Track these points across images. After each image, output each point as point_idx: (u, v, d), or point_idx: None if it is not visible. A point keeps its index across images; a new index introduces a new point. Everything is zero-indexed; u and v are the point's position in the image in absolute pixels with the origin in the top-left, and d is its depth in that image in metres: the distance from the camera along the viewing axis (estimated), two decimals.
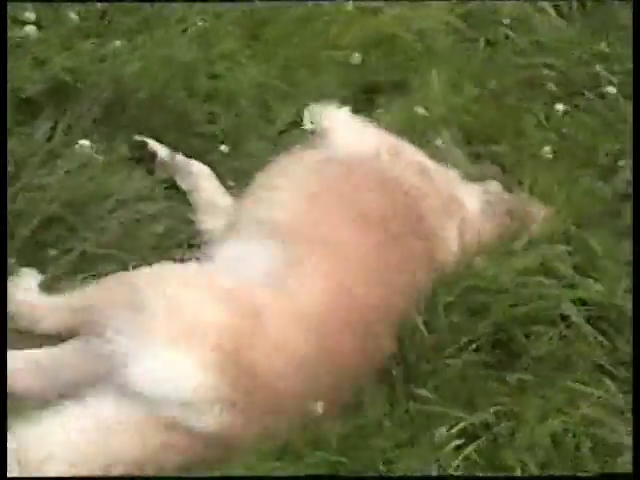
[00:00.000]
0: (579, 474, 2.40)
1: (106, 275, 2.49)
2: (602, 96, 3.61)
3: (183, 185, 2.93)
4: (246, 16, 3.44)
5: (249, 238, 2.54)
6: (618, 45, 3.79)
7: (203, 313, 2.26)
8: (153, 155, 2.96)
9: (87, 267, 2.56)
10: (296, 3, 3.50)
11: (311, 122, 2.93)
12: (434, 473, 2.30)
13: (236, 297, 2.31)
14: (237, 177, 2.92)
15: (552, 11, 3.83)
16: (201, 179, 2.90)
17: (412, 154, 2.90)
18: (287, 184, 2.67)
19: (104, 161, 2.79)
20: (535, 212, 2.96)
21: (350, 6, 3.50)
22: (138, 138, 2.97)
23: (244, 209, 2.70)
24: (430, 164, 2.90)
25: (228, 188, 2.92)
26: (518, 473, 2.36)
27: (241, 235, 2.58)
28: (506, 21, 3.72)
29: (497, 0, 3.76)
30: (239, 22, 3.33)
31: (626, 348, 2.72)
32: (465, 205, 2.85)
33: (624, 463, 2.44)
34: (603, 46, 3.77)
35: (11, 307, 2.42)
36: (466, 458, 2.35)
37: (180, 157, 2.96)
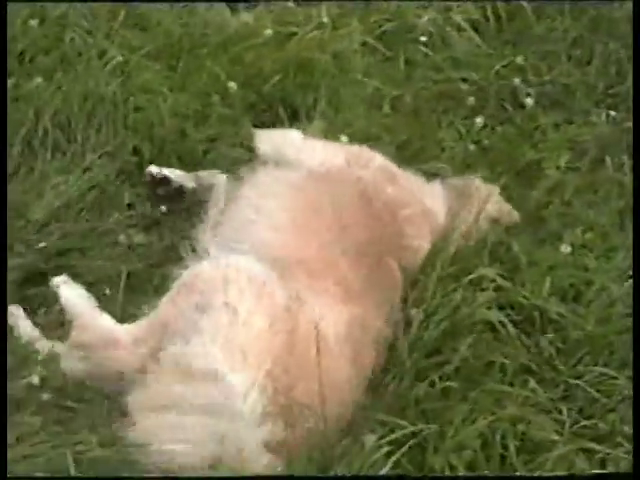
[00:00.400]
0: (507, 473, 2.48)
1: None
2: (521, 107, 3.72)
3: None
4: (166, 48, 3.51)
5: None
6: (533, 58, 3.91)
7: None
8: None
9: None
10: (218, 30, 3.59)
11: (263, 145, 3.00)
12: None
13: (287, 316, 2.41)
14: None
15: (467, 26, 3.94)
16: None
17: (378, 160, 3.00)
18: (274, 205, 2.76)
19: None
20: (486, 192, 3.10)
21: (269, 31, 3.58)
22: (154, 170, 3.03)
23: (233, 228, 2.76)
24: (395, 168, 3.02)
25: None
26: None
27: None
28: (423, 38, 3.82)
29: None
30: (156, 54, 3.39)
31: (550, 349, 2.81)
32: (435, 212, 2.99)
33: (552, 459, 2.52)
34: (519, 59, 3.88)
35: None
36: (396, 464, 2.41)
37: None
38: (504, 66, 3.86)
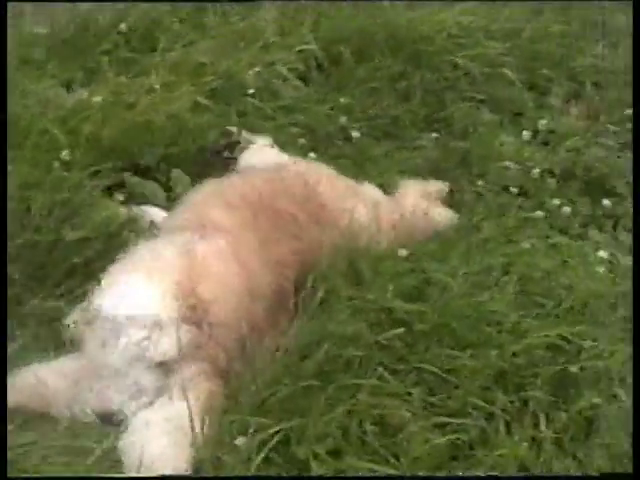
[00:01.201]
0: (368, 457, 2.72)
1: None
2: (350, 141, 4.08)
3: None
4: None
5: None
6: (358, 97, 4.28)
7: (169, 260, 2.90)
8: None
9: None
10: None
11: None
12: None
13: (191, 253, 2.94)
14: None
15: (292, 76, 4.30)
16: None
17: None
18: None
19: None
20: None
21: (98, 98, 3.85)
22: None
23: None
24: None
25: None
26: (312, 464, 2.65)
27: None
28: (251, 91, 4.15)
29: None
30: None
31: (399, 343, 3.09)
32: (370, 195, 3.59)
33: (407, 436, 2.78)
34: (343, 100, 4.24)
35: None
36: (265, 459, 2.63)
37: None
38: (331, 108, 4.20)
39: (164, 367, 2.78)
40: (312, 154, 3.91)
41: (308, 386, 2.85)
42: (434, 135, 4.21)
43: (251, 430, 2.67)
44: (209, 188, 3.41)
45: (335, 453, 2.71)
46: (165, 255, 2.93)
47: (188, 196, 3.45)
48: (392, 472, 2.67)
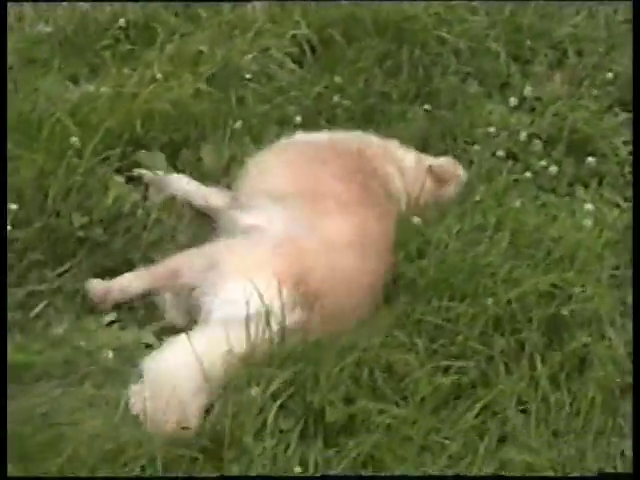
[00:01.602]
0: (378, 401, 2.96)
1: None
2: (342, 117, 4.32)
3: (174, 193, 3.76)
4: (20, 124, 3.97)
5: (263, 206, 3.45)
6: (348, 77, 4.51)
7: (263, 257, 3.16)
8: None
9: None
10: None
11: None
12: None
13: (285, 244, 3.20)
14: None
15: (287, 60, 4.54)
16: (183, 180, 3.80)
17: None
18: (277, 162, 3.68)
19: None
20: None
21: (105, 89, 4.09)
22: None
23: (247, 185, 3.63)
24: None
25: None
26: (327, 411, 2.90)
27: (253, 205, 3.48)
28: (248, 76, 4.39)
29: None
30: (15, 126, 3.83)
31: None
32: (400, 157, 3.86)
33: (414, 381, 3.02)
34: (337, 79, 4.48)
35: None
36: (282, 406, 2.88)
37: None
38: (324, 87, 4.44)
39: None
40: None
41: (319, 339, 3.09)
42: (423, 107, 4.42)
43: (264, 381, 2.90)
44: (286, 161, 3.70)
45: (347, 400, 2.95)
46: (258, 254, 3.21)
47: (263, 157, 3.76)
48: (400, 412, 2.90)
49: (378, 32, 4.74)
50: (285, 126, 4.22)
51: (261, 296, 3.00)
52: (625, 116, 4.57)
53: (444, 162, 3.98)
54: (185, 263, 3.28)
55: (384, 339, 3.16)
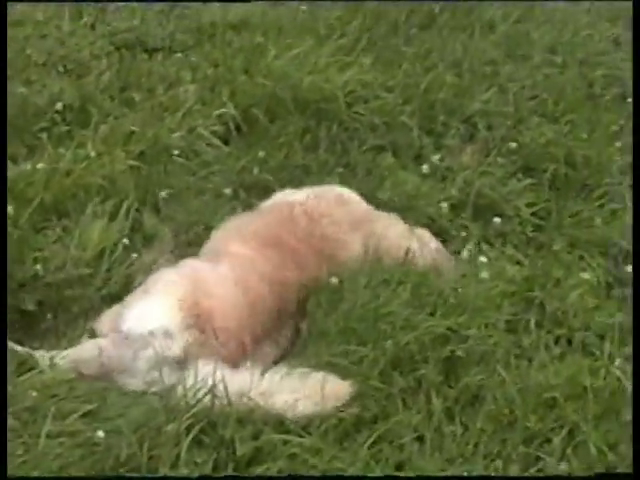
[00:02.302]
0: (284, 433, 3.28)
1: None
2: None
3: None
4: None
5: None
6: (271, 151, 4.93)
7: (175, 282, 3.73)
8: None
9: None
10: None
11: None
12: None
13: (194, 276, 3.77)
14: None
15: (213, 137, 4.96)
16: None
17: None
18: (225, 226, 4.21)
19: None
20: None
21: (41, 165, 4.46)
22: None
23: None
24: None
25: None
26: (237, 444, 3.21)
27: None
28: (176, 152, 4.79)
29: None
30: None
31: None
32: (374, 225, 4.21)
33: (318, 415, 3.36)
34: (260, 154, 4.89)
35: None
36: (196, 440, 3.20)
37: None
38: (248, 161, 4.85)
39: (178, 362, 3.52)
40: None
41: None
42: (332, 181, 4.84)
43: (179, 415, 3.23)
44: (231, 224, 4.19)
45: (255, 433, 3.28)
46: (170, 279, 3.76)
47: (215, 231, 4.21)
48: (305, 442, 3.23)
49: (298, 110, 5.18)
50: (215, 198, 4.60)
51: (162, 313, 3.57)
52: (528, 181, 4.99)
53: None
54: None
55: None
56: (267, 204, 4.38)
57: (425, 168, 5.01)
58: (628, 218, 4.64)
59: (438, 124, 5.45)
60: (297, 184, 4.77)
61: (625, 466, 3.26)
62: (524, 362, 3.76)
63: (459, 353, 3.67)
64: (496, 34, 6.47)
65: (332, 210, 4.19)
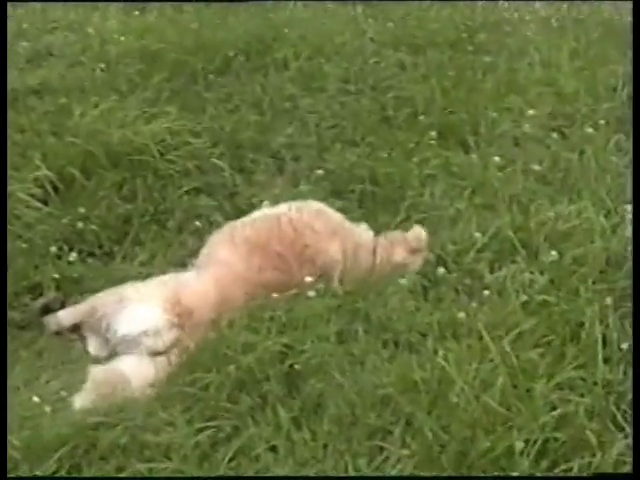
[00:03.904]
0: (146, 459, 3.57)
1: None
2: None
3: None
4: None
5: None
6: (90, 207, 5.20)
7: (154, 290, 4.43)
8: None
9: None
10: None
11: None
12: None
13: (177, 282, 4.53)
14: None
15: (32, 200, 5.19)
16: None
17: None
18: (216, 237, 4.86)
19: None
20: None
21: None
22: None
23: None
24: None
25: None
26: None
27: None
28: None
29: None
30: None
31: None
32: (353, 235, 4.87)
33: (177, 443, 3.65)
34: (81, 210, 5.14)
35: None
36: None
37: None
38: (71, 218, 5.10)
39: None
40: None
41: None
42: (154, 227, 5.16)
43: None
44: (226, 229, 4.87)
45: (119, 468, 3.55)
46: (149, 288, 4.48)
47: (212, 236, 4.89)
48: (167, 466, 3.53)
49: (112, 164, 5.49)
50: (43, 258, 4.84)
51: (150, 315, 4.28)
52: (339, 203, 5.44)
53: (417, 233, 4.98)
54: (99, 301, 4.49)
55: (146, 420, 3.78)
56: (256, 215, 5.01)
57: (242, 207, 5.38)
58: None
59: (247, 161, 5.85)
60: (119, 234, 5.08)
61: (456, 444, 3.68)
62: (357, 367, 4.14)
63: (297, 367, 4.04)
64: (291, 70, 6.94)
65: (312, 221, 4.82)
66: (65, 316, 4.55)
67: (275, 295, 4.45)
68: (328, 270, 4.71)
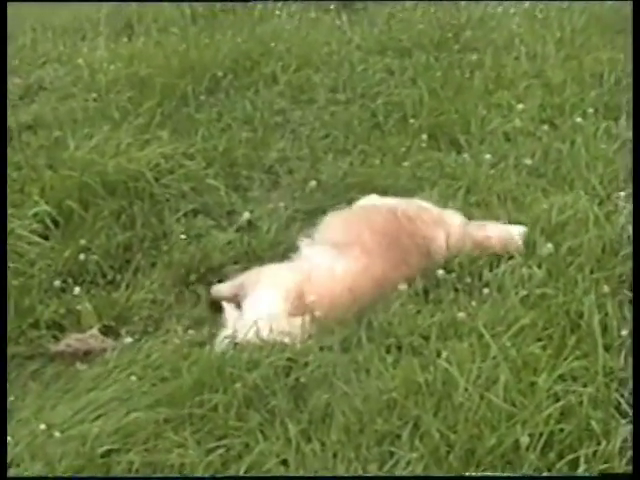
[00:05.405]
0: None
1: None
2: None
3: None
4: None
5: (316, 247, 5.00)
6: (91, 238, 5.29)
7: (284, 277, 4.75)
8: None
9: None
10: None
11: None
12: None
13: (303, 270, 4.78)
14: None
15: (33, 236, 5.27)
16: None
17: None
18: (337, 219, 5.16)
19: None
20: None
21: None
22: None
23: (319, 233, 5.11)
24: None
25: None
26: None
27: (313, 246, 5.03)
28: None
29: None
30: None
31: None
32: (449, 220, 5.11)
33: (189, 462, 3.74)
34: (82, 242, 5.25)
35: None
36: None
37: None
38: (72, 250, 5.19)
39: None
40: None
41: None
42: (155, 252, 5.25)
43: None
44: (352, 215, 5.18)
45: None
46: (282, 273, 4.80)
47: (331, 219, 5.17)
48: None
49: (109, 193, 5.58)
50: (44, 292, 4.93)
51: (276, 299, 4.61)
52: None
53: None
54: (247, 278, 4.86)
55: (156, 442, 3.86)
56: (361, 203, 5.33)
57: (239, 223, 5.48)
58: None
59: (242, 179, 5.95)
60: (121, 262, 5.17)
61: (462, 443, 3.75)
62: (362, 375, 4.22)
63: (303, 380, 4.12)
64: (280, 84, 7.04)
65: (420, 212, 5.05)
66: (225, 288, 4.94)
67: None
68: (437, 258, 4.94)
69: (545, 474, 3.64)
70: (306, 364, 4.21)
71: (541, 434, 3.74)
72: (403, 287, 4.76)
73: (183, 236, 5.34)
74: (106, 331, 4.73)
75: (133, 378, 4.22)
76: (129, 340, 4.62)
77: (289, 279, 4.69)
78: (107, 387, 4.20)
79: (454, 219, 5.17)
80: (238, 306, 4.76)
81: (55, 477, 3.36)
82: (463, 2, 8.54)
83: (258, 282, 4.75)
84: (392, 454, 3.81)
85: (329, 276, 4.72)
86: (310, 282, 4.66)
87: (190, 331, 4.66)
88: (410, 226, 4.97)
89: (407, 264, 4.83)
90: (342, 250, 4.84)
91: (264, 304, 4.59)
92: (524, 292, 4.61)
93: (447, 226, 5.06)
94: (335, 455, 3.80)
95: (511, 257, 4.93)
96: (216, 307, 4.85)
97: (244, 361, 4.17)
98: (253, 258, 5.19)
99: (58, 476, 3.37)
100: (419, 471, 3.69)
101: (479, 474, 3.64)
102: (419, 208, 5.14)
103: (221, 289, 4.96)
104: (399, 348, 4.41)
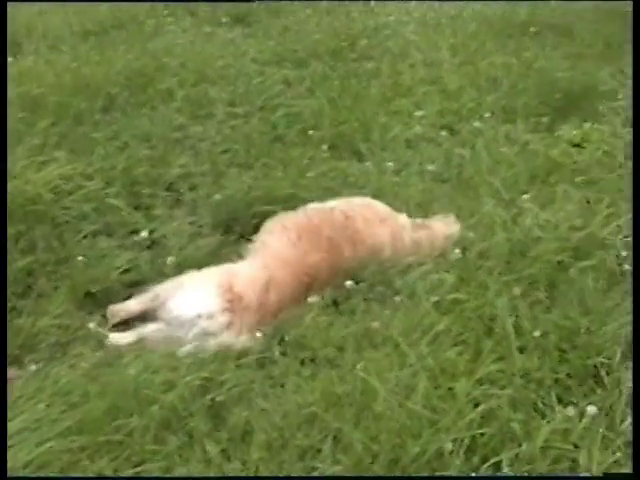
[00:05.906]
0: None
1: None
2: None
3: None
4: None
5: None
6: None
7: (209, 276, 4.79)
8: None
9: None
10: None
11: None
12: None
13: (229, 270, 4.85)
14: None
15: None
16: None
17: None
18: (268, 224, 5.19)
19: None
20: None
21: None
22: None
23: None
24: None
25: None
26: None
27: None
28: None
29: None
30: None
31: None
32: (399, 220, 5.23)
33: None
34: None
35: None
36: None
37: None
38: None
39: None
40: None
41: None
42: (57, 277, 5.11)
43: None
44: (278, 217, 5.20)
45: None
46: (205, 273, 4.85)
47: (265, 223, 5.21)
48: None
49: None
50: None
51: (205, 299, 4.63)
52: (239, 228, 5.47)
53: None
54: (163, 289, 4.81)
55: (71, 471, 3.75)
56: (309, 206, 5.30)
57: (142, 243, 5.37)
58: None
59: (144, 197, 5.84)
60: (23, 287, 5.02)
61: (386, 453, 3.74)
62: (279, 390, 4.18)
63: (220, 399, 4.06)
64: (177, 100, 6.97)
65: (363, 211, 5.15)
66: (133, 304, 4.84)
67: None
68: (377, 251, 5.02)
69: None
70: (222, 383, 4.15)
71: (463, 439, 3.75)
72: (313, 299, 4.71)
73: (81, 258, 5.17)
74: (10, 361, 4.54)
75: (41, 406, 4.06)
76: (34, 368, 4.45)
77: (214, 276, 4.77)
78: (13, 418, 4.02)
79: (402, 219, 5.30)
80: (145, 320, 4.72)
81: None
82: (355, 13, 8.59)
83: (181, 286, 4.76)
84: (314, 468, 3.77)
85: (247, 269, 4.85)
86: (236, 276, 4.76)
87: (97, 353, 4.52)
88: (344, 221, 5.07)
89: (329, 253, 4.93)
90: (262, 247, 5.03)
91: (197, 302, 4.64)
92: (436, 298, 4.62)
93: (394, 226, 5.18)
94: (257, 473, 3.74)
95: (421, 264, 4.94)
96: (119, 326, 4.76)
97: (159, 382, 4.07)
98: (158, 275, 5.06)
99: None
100: None
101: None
102: (366, 207, 5.26)
103: (129, 306, 4.87)
104: (313, 361, 4.38)
